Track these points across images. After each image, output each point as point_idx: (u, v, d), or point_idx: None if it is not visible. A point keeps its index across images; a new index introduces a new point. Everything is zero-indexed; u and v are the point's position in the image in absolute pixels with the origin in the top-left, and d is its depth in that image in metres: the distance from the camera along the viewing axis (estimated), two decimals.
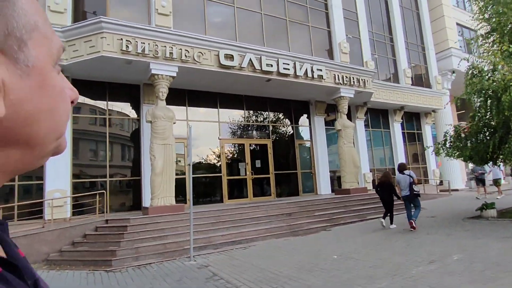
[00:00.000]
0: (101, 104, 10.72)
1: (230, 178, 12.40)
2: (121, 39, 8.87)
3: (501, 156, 8.55)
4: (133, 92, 11.04)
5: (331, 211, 10.90)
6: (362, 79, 13.50)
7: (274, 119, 14.05)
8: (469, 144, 9.29)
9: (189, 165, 7.25)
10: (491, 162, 9.40)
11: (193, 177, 11.80)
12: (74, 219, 9.25)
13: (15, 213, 8.92)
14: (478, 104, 8.98)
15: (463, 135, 9.56)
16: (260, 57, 10.92)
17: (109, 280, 5.87)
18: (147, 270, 6.38)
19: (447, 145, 9.79)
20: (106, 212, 9.20)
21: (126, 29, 8.97)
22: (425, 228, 8.47)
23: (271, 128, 13.79)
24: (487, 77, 8.19)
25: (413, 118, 18.42)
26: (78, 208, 9.81)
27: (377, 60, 16.48)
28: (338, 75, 12.78)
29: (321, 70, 12.20)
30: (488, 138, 8.85)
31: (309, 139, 14.66)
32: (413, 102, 16.74)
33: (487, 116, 8.56)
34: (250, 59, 10.69)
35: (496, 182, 13.83)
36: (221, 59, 10.18)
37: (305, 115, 14.78)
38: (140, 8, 10.52)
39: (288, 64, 11.47)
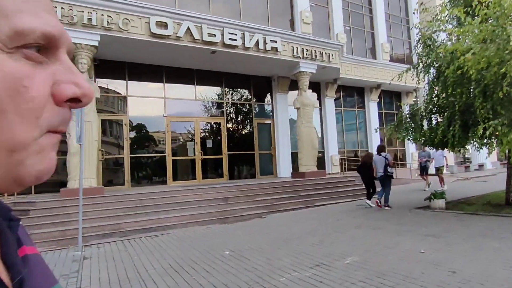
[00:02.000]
0: None
1: (175, 158, 11.61)
2: None
3: (450, 142, 7.52)
4: None
5: (275, 196, 10.09)
6: (326, 53, 12.31)
7: (230, 95, 13.05)
8: (425, 127, 8.28)
9: (80, 144, 6.43)
10: (441, 148, 8.39)
11: (133, 157, 11.16)
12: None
13: None
14: (429, 80, 7.88)
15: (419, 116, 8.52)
16: (201, 26, 9.83)
17: None
18: None
19: (404, 127, 8.77)
20: (14, 194, 8.53)
21: None
22: (361, 219, 7.64)
23: (225, 105, 12.82)
24: (436, 47, 7.03)
25: (393, 97, 17.18)
26: None
27: (351, 33, 15.12)
28: (297, 48, 11.62)
29: (275, 41, 11.05)
30: (437, 120, 7.84)
31: (270, 118, 13.67)
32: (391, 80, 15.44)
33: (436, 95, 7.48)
34: (188, 28, 9.61)
35: (438, 170, 12.04)
36: (151, 27, 9.14)
37: (266, 92, 13.73)
38: None
39: (236, 35, 10.35)
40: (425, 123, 8.44)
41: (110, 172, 10.82)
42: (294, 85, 13.46)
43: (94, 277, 4.71)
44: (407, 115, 8.90)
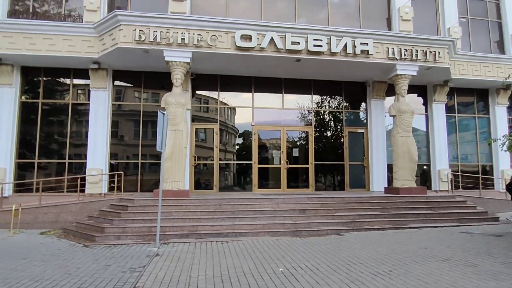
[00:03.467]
0: (137, 93, 11.62)
1: (261, 166, 11.83)
2: (135, 29, 9.30)
3: None
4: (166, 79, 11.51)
5: (359, 212, 9.22)
6: (432, 51, 10.70)
7: (319, 103, 12.60)
8: None
9: (162, 151, 7.17)
10: None
11: (222, 163, 11.87)
12: (108, 195, 10.45)
13: (64, 185, 10.64)
14: None
15: None
16: (285, 35, 9.82)
17: (73, 253, 6.41)
18: (109, 250, 6.72)
19: None
20: (122, 191, 10.04)
21: (140, 20, 9.35)
22: (457, 249, 6.27)
23: (314, 113, 12.43)
24: None
25: None
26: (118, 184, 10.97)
27: (469, 25, 12.75)
28: (393, 48, 10.46)
29: (366, 44, 10.19)
30: None
31: (363, 126, 12.61)
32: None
33: None
34: (272, 38, 9.73)
35: None
36: (237, 41, 9.60)
37: (360, 98, 12.74)
38: None
39: (321, 40, 9.98)
40: None
41: (201, 176, 11.76)
42: (391, 90, 12.10)
43: (152, 275, 5.14)
44: None
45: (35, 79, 11.18)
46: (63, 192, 10.46)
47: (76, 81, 11.28)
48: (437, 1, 12.47)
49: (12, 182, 10.38)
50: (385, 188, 11.45)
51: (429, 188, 12.44)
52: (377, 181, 12.03)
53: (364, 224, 8.68)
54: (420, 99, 13.19)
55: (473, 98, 13.47)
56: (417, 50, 10.56)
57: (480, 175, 12.81)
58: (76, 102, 11.24)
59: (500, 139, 8.23)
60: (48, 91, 11.23)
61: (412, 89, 12.36)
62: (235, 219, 8.48)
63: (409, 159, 10.54)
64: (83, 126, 11.06)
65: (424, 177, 12.79)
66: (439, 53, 10.69)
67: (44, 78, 11.14)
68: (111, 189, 10.49)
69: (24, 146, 10.87)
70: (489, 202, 11.29)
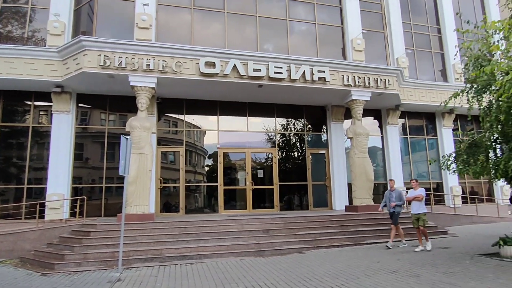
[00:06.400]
0: (103, 115, 11.62)
1: (227, 188, 12.06)
2: (100, 54, 9.46)
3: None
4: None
5: (320, 230, 9.64)
6: (382, 79, 11.69)
7: (282, 126, 13.19)
8: (481, 156, 7.18)
9: (124, 176, 7.25)
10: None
11: (187, 186, 11.97)
12: (70, 220, 10.17)
13: (22, 211, 10.24)
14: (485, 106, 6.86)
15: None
16: (247, 62, 10.37)
17: (30, 282, 6.22)
18: (69, 277, 6.59)
19: (452, 158, 7.75)
20: (84, 216, 9.86)
21: (105, 45, 9.54)
22: (406, 262, 6.80)
23: (277, 135, 12.97)
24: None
25: (473, 122, 15.12)
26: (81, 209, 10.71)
27: (415, 55, 14.08)
28: (348, 76, 11.32)
29: (323, 71, 10.97)
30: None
31: (324, 148, 13.30)
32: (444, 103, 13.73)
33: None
34: (235, 65, 10.24)
35: (418, 220, 8.27)
36: (201, 67, 10.01)
37: (321, 121, 13.49)
38: (124, 25, 11.07)
39: (281, 68, 10.63)
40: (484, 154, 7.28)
41: (169, 198, 11.77)
42: (349, 113, 12.97)
43: None
44: (467, 144, 7.78)
45: None
46: (21, 219, 10.06)
47: (38, 104, 11.10)
48: (386, 34, 13.71)
49: None
50: (346, 206, 12.03)
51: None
52: (339, 200, 12.62)
53: (325, 242, 9.09)
54: (376, 122, 14.17)
55: (423, 121, 14.68)
56: (369, 78, 11.51)
57: (432, 192, 13.78)
58: (37, 126, 11.02)
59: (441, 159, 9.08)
60: (7, 113, 10.93)
61: (368, 112, 13.34)
62: (199, 241, 8.58)
63: (366, 178, 11.23)
64: (45, 149, 10.81)
65: (381, 195, 13.56)
66: (388, 80, 11.71)
67: (4, 101, 10.87)
68: (73, 214, 10.24)
69: None
70: (440, 217, 12.16)
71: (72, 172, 10.78)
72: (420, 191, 8.56)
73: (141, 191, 9.50)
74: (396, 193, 9.00)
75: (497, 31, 5.92)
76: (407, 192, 9.68)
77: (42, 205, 10.08)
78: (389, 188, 9.41)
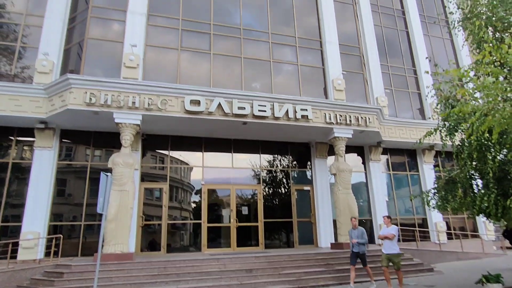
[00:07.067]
0: (87, 151, 11.54)
1: (211, 225, 11.84)
2: (86, 92, 9.60)
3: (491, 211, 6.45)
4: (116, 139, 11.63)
5: (305, 269, 9.42)
6: (363, 117, 12.09)
7: (267, 162, 13.28)
8: (459, 192, 7.34)
9: (102, 213, 7.09)
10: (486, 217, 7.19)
11: (170, 223, 11.72)
12: (44, 261, 9.71)
13: None
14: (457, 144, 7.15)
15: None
16: (232, 101, 10.64)
17: None
18: None
19: (432, 194, 7.90)
20: (59, 256, 9.44)
21: (91, 83, 9.70)
22: None
23: (262, 172, 13.02)
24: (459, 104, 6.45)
25: (453, 159, 15.53)
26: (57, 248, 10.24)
27: (393, 95, 14.72)
28: (330, 114, 11.68)
29: (306, 110, 11.31)
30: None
31: (309, 184, 13.37)
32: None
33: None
34: (220, 103, 10.48)
35: (390, 261, 7.97)
36: (186, 105, 10.20)
37: (305, 158, 13.67)
38: (112, 64, 11.35)
39: (265, 106, 10.92)
40: (461, 190, 7.46)
41: (151, 237, 11.42)
42: (333, 150, 13.21)
43: None
44: (444, 181, 7.99)
45: None
46: None
47: (21, 139, 10.98)
48: (365, 75, 14.40)
49: None
50: (331, 243, 11.87)
51: (373, 241, 13.09)
52: (324, 237, 12.48)
53: (310, 282, 8.86)
54: (360, 158, 14.43)
55: (404, 157, 15.03)
56: (350, 116, 11.89)
57: (416, 228, 13.81)
58: (18, 161, 10.82)
59: (417, 196, 9.23)
60: None
61: (351, 149, 13.65)
62: (180, 282, 8.27)
63: (350, 214, 11.21)
64: (25, 184, 10.52)
65: (368, 231, 13.48)
66: (369, 118, 12.11)
67: None
68: (49, 254, 9.81)
69: None
70: (425, 254, 12.09)
71: (51, 209, 10.48)
72: (391, 229, 8.18)
73: (120, 229, 9.24)
74: (359, 231, 8.63)
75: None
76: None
77: (16, 244, 9.66)
78: (351, 226, 8.96)
